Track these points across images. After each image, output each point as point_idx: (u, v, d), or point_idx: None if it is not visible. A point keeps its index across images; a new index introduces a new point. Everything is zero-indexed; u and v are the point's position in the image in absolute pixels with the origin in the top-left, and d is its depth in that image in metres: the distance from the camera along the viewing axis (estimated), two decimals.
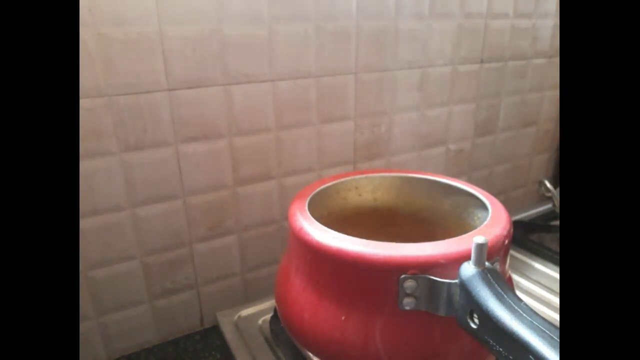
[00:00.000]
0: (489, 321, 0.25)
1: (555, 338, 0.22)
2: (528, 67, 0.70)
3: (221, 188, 0.49)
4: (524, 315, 0.24)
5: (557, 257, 0.56)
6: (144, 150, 0.44)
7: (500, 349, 0.25)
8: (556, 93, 0.75)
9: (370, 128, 0.57)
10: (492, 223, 0.34)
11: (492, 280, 0.27)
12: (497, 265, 0.31)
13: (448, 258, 0.29)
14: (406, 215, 0.46)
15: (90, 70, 0.39)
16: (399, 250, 0.30)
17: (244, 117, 0.48)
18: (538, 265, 0.56)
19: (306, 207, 0.37)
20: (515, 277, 0.55)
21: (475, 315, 0.27)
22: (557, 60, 0.72)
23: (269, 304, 0.50)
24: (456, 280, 0.28)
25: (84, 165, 0.42)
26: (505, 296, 0.26)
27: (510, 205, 0.63)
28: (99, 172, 0.42)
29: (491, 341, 0.26)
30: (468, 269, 0.28)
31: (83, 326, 0.46)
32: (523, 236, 0.62)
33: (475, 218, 0.40)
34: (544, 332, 0.23)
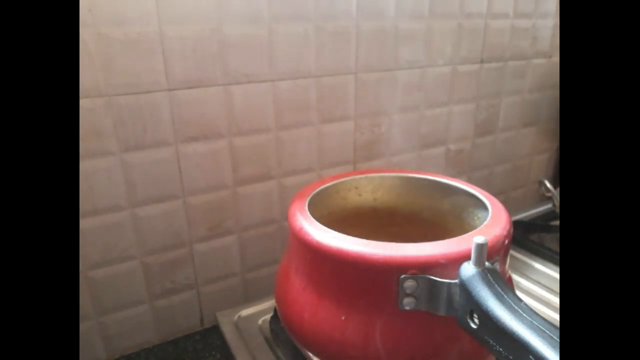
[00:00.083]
0: (489, 321, 0.25)
1: (555, 338, 0.22)
2: (528, 67, 0.70)
3: (221, 188, 0.49)
4: (524, 315, 0.24)
5: (557, 257, 0.56)
6: (144, 150, 0.44)
7: (500, 349, 0.25)
8: (556, 93, 0.75)
9: (370, 128, 0.57)
10: (492, 223, 0.34)
11: (492, 280, 0.27)
12: (497, 265, 0.31)
13: (448, 258, 0.29)
14: (406, 215, 0.46)
15: (90, 70, 0.39)
16: (399, 250, 0.30)
17: (244, 117, 0.48)
18: (538, 265, 0.56)
19: (306, 207, 0.37)
20: (515, 277, 0.55)
21: (475, 315, 0.27)
22: (557, 60, 0.72)
23: (269, 304, 0.50)
24: (456, 280, 0.28)
25: (84, 165, 0.42)
26: (505, 296, 0.26)
27: (510, 205, 0.62)
28: (99, 172, 0.42)
29: (491, 341, 0.26)
30: (468, 269, 0.28)
31: (83, 326, 0.46)
32: (523, 236, 0.62)
33: (475, 218, 0.40)
34: (544, 332, 0.23)
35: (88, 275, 0.45)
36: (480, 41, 0.62)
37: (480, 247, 0.27)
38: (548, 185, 0.63)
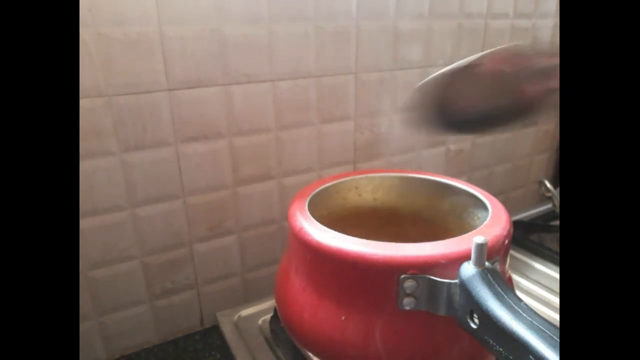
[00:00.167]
0: (489, 321, 0.25)
1: (555, 338, 0.22)
2: None
3: (221, 188, 0.49)
4: (524, 315, 0.24)
5: (557, 257, 0.56)
6: (144, 150, 0.44)
7: (500, 349, 0.25)
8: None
9: (370, 128, 0.57)
10: (492, 223, 0.34)
11: (492, 280, 0.27)
12: (497, 265, 0.31)
13: (448, 258, 0.29)
14: (406, 215, 0.46)
15: (90, 70, 0.39)
16: (399, 250, 0.30)
17: (244, 117, 0.48)
18: (538, 265, 0.56)
19: (306, 207, 0.37)
20: (515, 277, 0.55)
21: (475, 315, 0.27)
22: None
23: (269, 304, 0.50)
24: (456, 280, 0.28)
25: (84, 165, 0.42)
26: (505, 296, 0.26)
27: (510, 205, 0.62)
28: (99, 172, 0.42)
29: (491, 341, 0.26)
30: (468, 269, 0.28)
31: (83, 326, 0.46)
32: (523, 236, 0.62)
33: (475, 218, 0.40)
34: (544, 332, 0.23)
35: (88, 275, 0.45)
36: (480, 41, 0.62)
37: (480, 247, 0.27)
38: (548, 185, 0.63)
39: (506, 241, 0.33)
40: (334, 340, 0.33)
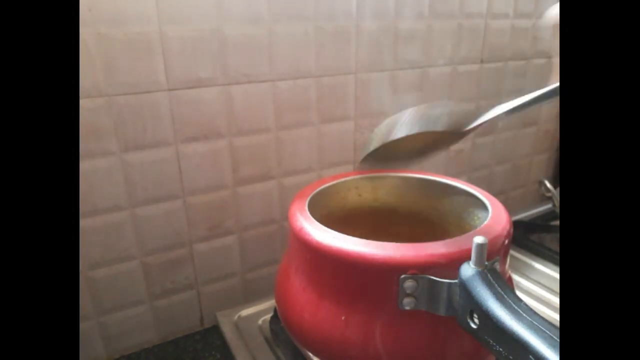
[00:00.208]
0: (489, 321, 0.25)
1: (555, 338, 0.22)
2: (528, 67, 0.70)
3: (221, 188, 0.49)
4: (524, 315, 0.24)
5: (557, 257, 0.56)
6: (144, 150, 0.44)
7: (500, 349, 0.25)
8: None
9: (370, 128, 0.57)
10: (492, 223, 0.34)
11: (492, 280, 0.27)
12: (497, 265, 0.31)
13: (448, 258, 0.29)
14: (406, 215, 0.46)
15: (90, 70, 0.39)
16: (399, 250, 0.30)
17: (244, 117, 0.48)
18: (538, 265, 0.56)
19: (306, 207, 0.37)
20: (515, 277, 0.55)
21: (475, 315, 0.27)
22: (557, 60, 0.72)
23: (269, 304, 0.50)
24: (456, 280, 0.28)
25: (84, 165, 0.42)
26: (505, 296, 0.26)
27: (510, 205, 0.62)
28: (99, 172, 0.42)
29: (491, 341, 0.26)
30: (468, 269, 0.28)
31: (83, 326, 0.46)
32: (523, 236, 0.62)
33: (475, 218, 0.40)
34: (544, 332, 0.23)
35: (88, 275, 0.45)
36: (480, 41, 0.62)
37: (480, 247, 0.27)
38: (548, 185, 0.63)
39: (506, 241, 0.33)
40: (334, 340, 0.33)
